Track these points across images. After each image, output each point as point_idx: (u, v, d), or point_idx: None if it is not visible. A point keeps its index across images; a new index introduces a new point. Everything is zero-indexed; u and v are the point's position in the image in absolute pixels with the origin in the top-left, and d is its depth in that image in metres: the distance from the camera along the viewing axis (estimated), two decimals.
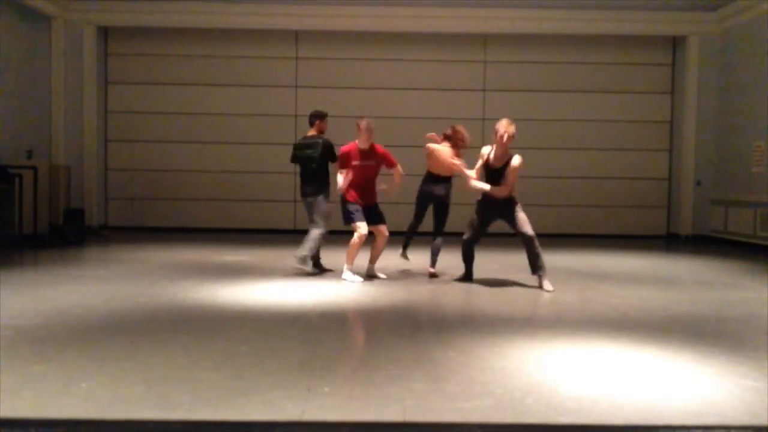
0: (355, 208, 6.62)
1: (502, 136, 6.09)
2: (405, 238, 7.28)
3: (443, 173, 6.90)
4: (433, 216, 7.00)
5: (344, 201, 6.69)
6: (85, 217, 11.21)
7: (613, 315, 5.15)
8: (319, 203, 6.92)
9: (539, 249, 6.20)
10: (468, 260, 6.72)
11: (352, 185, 6.65)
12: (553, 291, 6.13)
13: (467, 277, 6.72)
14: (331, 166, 6.97)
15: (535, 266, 6.25)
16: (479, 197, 6.45)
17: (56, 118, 11.67)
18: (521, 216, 6.27)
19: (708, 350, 4.03)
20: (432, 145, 6.97)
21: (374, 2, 11.65)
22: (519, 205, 6.33)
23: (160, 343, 4.04)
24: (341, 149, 6.72)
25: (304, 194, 7.06)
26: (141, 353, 3.78)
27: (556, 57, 12.44)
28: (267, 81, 12.40)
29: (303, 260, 6.82)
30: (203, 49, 12.35)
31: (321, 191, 6.92)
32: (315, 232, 6.87)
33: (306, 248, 6.82)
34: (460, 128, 7.00)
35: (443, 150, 6.87)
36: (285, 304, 5.47)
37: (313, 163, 6.93)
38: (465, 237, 6.59)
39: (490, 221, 6.51)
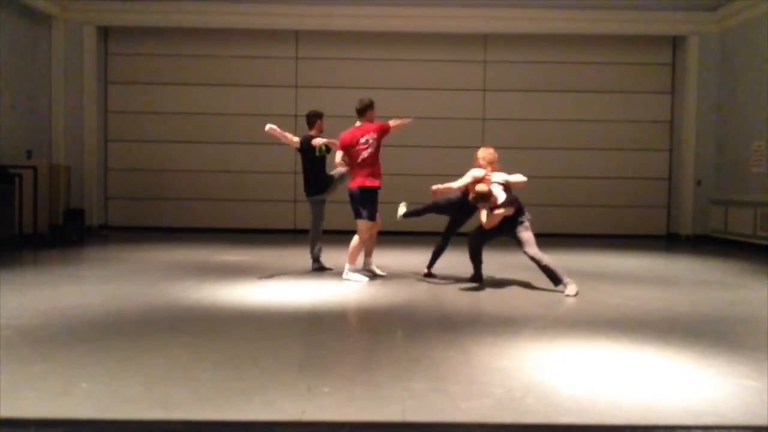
0: None
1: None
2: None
3: None
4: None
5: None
6: (85, 217, 11.22)
7: (613, 315, 5.15)
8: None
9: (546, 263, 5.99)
10: (474, 260, 6.61)
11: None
12: (575, 295, 5.87)
13: (475, 278, 6.63)
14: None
15: (555, 280, 5.97)
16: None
17: (56, 118, 11.67)
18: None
19: (708, 350, 4.03)
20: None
21: (374, 2, 11.65)
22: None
23: (160, 343, 4.04)
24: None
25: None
26: (141, 353, 3.78)
27: (556, 57, 12.44)
28: (267, 81, 12.41)
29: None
30: (203, 49, 12.35)
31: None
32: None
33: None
34: None
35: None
36: (285, 304, 5.47)
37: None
38: (470, 233, 6.50)
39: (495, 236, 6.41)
